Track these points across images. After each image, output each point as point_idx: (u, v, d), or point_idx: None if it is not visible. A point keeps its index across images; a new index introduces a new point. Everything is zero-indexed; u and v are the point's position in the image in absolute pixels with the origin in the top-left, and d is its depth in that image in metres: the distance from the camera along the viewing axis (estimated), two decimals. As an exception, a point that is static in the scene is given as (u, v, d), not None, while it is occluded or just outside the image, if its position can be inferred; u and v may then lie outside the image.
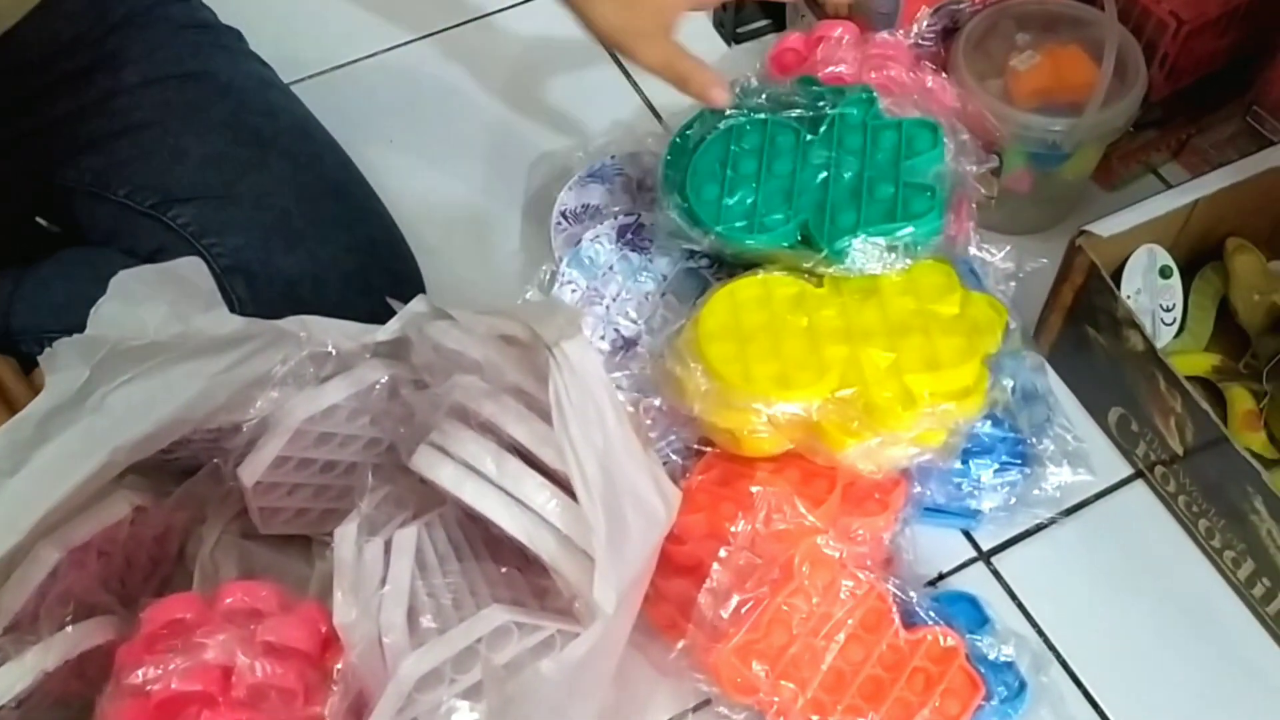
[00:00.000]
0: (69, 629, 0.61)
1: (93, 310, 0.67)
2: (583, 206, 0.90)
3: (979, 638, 0.71)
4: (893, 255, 0.71)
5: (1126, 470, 0.86)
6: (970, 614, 0.74)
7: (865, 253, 0.71)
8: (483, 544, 0.70)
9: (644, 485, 0.63)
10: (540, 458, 0.63)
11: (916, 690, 0.69)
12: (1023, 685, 0.70)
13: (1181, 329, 0.90)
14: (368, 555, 0.65)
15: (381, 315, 0.71)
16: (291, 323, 0.72)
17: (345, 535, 0.66)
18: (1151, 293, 0.87)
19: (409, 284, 0.86)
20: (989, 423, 0.75)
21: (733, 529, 0.70)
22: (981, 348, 0.70)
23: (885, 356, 0.69)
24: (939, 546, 0.83)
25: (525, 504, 0.62)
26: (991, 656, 0.71)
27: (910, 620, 0.72)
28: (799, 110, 0.79)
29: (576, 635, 0.61)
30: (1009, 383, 0.71)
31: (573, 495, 0.61)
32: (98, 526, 0.64)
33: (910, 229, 0.72)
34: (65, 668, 0.61)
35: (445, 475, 0.64)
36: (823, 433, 0.70)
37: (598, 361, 0.61)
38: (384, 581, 0.63)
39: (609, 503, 0.60)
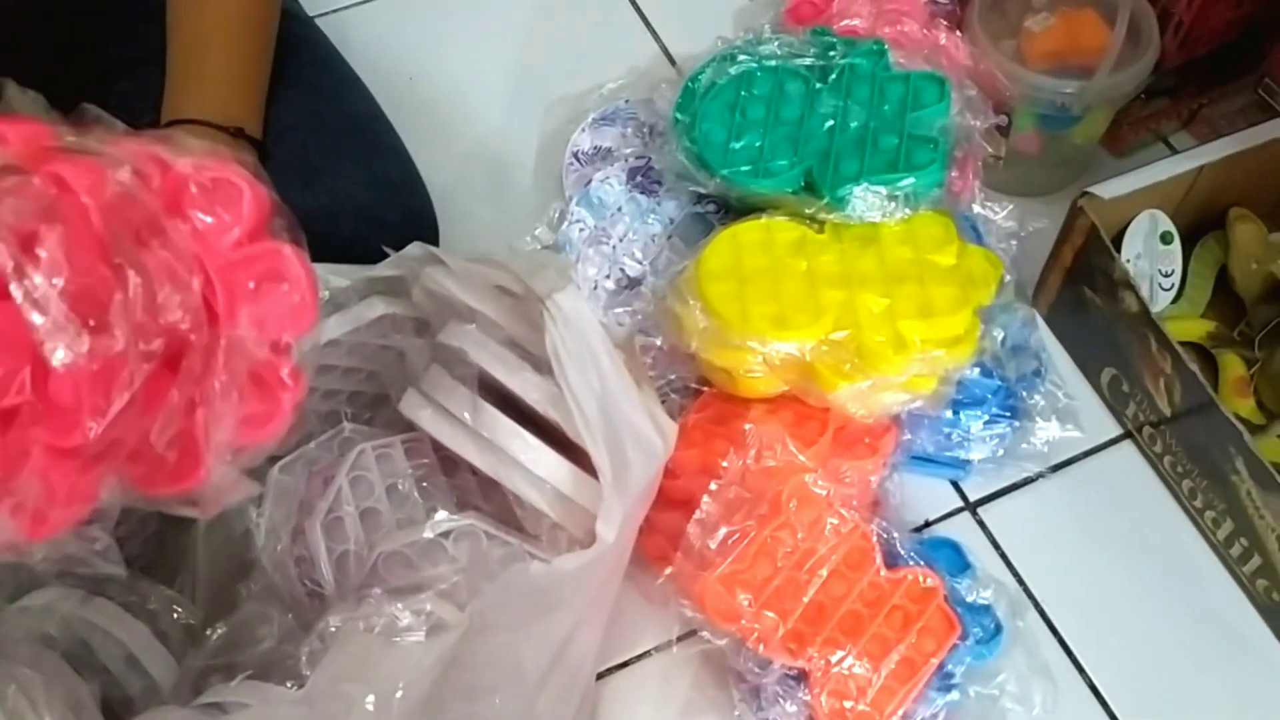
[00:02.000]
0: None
1: None
2: (595, 148, 0.92)
3: (959, 581, 0.73)
4: (893, 204, 0.73)
5: (1116, 430, 0.88)
6: (952, 559, 0.77)
7: (866, 201, 0.73)
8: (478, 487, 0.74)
9: (641, 422, 0.66)
10: (531, 405, 0.66)
11: (895, 627, 0.72)
12: (999, 628, 0.73)
13: (1179, 295, 0.91)
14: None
15: (392, 253, 0.74)
16: None
17: None
18: (1151, 258, 0.88)
19: (422, 222, 0.88)
20: (979, 372, 0.76)
21: (724, 463, 0.73)
22: (975, 298, 0.72)
23: (880, 302, 0.71)
24: (927, 495, 0.85)
25: (500, 447, 0.66)
26: (970, 599, 0.74)
27: (893, 561, 0.74)
28: (810, 59, 0.80)
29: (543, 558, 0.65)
30: (999, 333, 0.73)
31: (561, 442, 0.65)
32: None
33: (911, 180, 0.73)
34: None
35: (424, 418, 0.69)
36: (816, 374, 0.71)
37: (588, 311, 0.64)
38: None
39: (610, 441, 0.63)
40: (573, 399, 0.62)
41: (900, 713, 0.70)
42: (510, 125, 1.03)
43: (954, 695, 0.71)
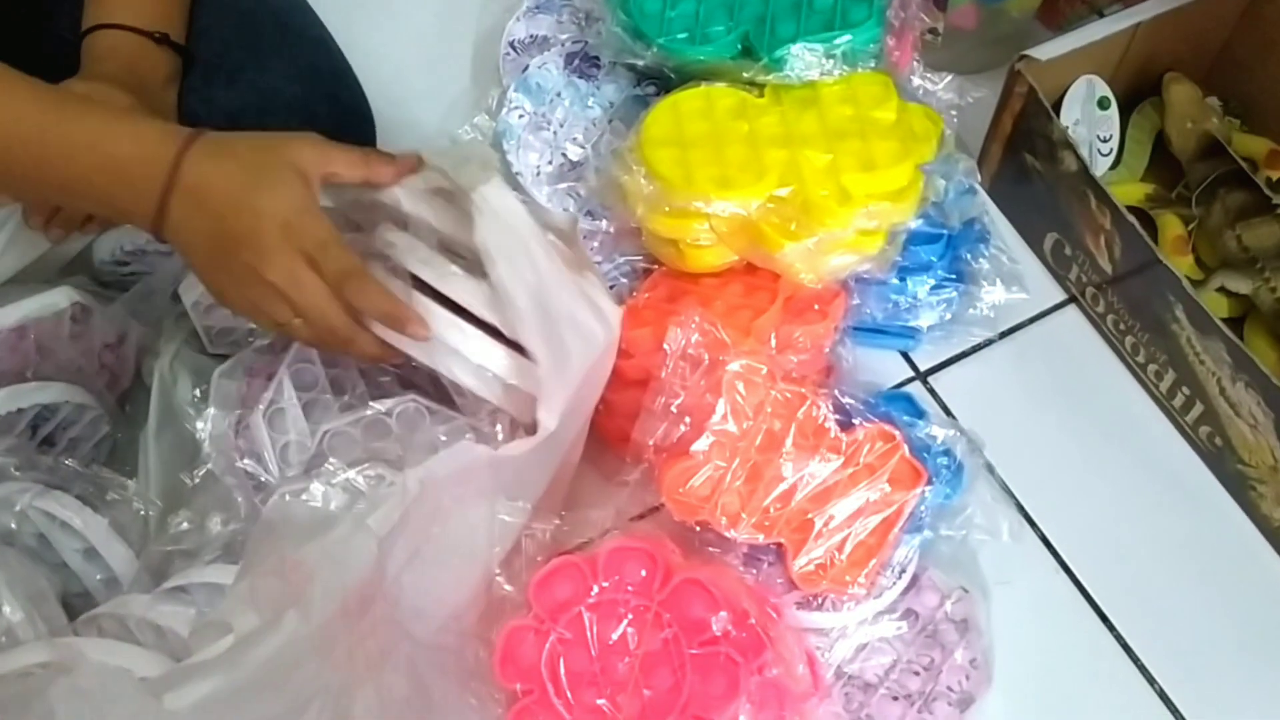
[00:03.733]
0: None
1: None
2: (531, 36, 0.90)
3: (917, 428, 0.74)
4: (831, 63, 0.73)
5: (1060, 295, 0.89)
6: (907, 408, 0.77)
7: (804, 60, 0.73)
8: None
9: (579, 309, 0.66)
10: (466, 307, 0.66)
11: (862, 486, 0.72)
12: (960, 467, 0.74)
13: (1118, 161, 0.92)
14: None
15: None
16: None
17: None
18: (1090, 123, 0.89)
19: (355, 113, 0.86)
20: (925, 239, 0.77)
21: (666, 346, 0.71)
22: (916, 152, 0.72)
23: (823, 158, 0.71)
24: (879, 367, 0.86)
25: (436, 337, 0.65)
26: (929, 444, 0.74)
27: (850, 422, 0.74)
28: (742, -73, 0.79)
29: (495, 433, 0.66)
30: (942, 183, 0.73)
31: (503, 339, 0.65)
32: (30, 313, 0.66)
33: (848, 37, 0.73)
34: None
35: None
36: (762, 235, 0.71)
37: (516, 202, 0.63)
38: None
39: (546, 332, 0.63)
40: (505, 292, 0.62)
41: (873, 561, 0.71)
42: (446, 22, 1.01)
43: (925, 534, 0.72)
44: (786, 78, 0.73)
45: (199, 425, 0.70)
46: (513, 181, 0.81)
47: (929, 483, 0.72)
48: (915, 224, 0.72)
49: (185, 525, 0.64)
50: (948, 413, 0.84)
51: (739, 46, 0.76)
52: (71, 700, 0.48)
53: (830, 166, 0.71)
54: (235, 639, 0.53)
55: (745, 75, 0.75)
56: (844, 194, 0.70)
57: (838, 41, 0.73)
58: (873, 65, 0.75)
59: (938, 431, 0.75)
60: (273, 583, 0.55)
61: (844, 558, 0.71)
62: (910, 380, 0.86)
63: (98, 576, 0.65)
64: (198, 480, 0.68)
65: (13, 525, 0.62)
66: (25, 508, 0.64)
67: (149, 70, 0.76)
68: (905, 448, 0.73)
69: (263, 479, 0.68)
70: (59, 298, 0.68)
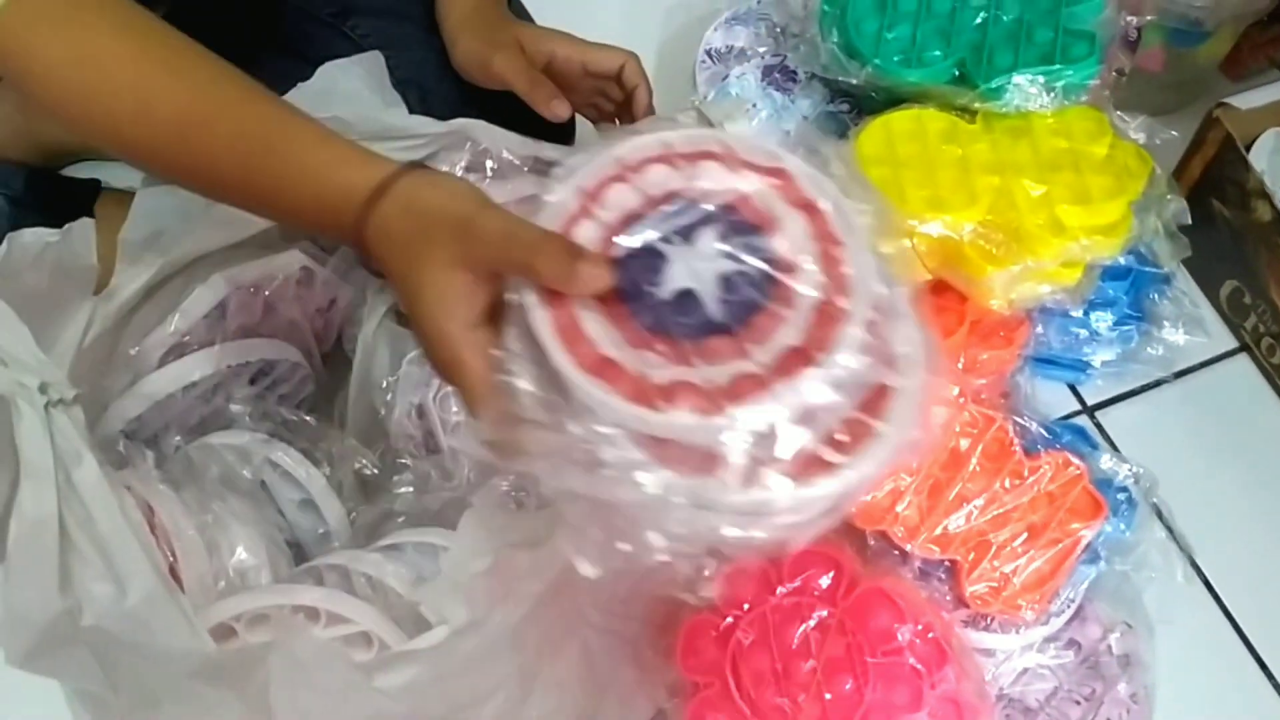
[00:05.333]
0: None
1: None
2: (728, 47, 0.93)
3: (1094, 458, 0.74)
4: (1050, 96, 0.74)
5: (1232, 343, 0.89)
6: (1080, 443, 0.78)
7: (1024, 91, 0.74)
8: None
9: None
10: None
11: (1041, 513, 0.73)
12: (1134, 503, 0.74)
13: (1298, 215, 0.92)
14: None
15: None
16: (459, 123, 0.75)
17: None
18: (1275, 176, 0.89)
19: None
20: (1110, 275, 0.78)
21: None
22: (1129, 189, 0.73)
23: (1037, 187, 0.72)
24: (1047, 399, 0.86)
25: None
26: (1113, 478, 0.75)
27: (1031, 448, 0.75)
28: (959, -46, 0.80)
29: None
30: (1155, 221, 0.74)
31: None
32: (267, 272, 0.69)
33: (1070, 72, 0.74)
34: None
35: None
36: (965, 259, 0.73)
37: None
38: None
39: None
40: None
41: (1047, 587, 0.72)
42: (631, 29, 1.02)
43: (1100, 566, 0.73)
44: (1003, 107, 0.75)
45: (384, 400, 0.73)
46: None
47: (1106, 517, 0.73)
48: (1122, 260, 0.73)
49: (409, 489, 0.66)
50: (1115, 450, 0.85)
51: (954, 72, 0.77)
52: (288, 669, 0.50)
53: (1045, 197, 0.72)
54: (448, 634, 0.55)
55: (959, 102, 0.76)
56: (1058, 225, 0.71)
57: (1059, 76, 0.74)
58: (1084, 100, 0.76)
59: (1118, 466, 0.75)
60: (485, 581, 0.57)
61: (1018, 582, 0.72)
62: (1076, 414, 0.87)
63: (311, 530, 0.68)
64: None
65: (247, 474, 0.65)
66: (252, 456, 0.67)
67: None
68: (1087, 478, 0.74)
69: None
70: (291, 260, 0.71)
